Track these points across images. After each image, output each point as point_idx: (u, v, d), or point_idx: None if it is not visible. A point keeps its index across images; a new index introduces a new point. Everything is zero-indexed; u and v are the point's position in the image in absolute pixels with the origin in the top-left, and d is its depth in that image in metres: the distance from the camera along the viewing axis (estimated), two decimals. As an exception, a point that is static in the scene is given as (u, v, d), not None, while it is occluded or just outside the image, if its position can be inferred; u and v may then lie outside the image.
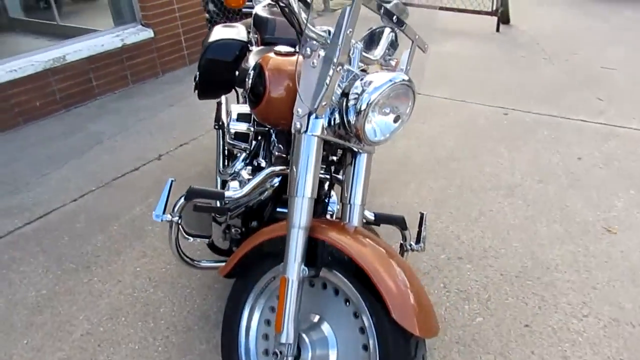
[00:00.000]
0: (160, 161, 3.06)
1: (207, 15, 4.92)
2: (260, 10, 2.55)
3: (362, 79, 1.26)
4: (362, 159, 1.39)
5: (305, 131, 1.23)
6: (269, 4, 2.59)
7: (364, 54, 1.43)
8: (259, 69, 1.48)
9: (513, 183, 2.65)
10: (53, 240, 2.37)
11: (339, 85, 1.27)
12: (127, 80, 4.23)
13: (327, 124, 1.27)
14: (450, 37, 5.11)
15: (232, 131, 1.83)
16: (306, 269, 1.25)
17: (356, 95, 1.23)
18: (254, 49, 2.14)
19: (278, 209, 1.65)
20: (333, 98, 1.25)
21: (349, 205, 1.38)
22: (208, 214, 1.63)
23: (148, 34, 4.25)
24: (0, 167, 3.05)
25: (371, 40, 1.57)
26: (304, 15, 1.32)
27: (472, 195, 2.56)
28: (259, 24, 2.33)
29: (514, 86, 3.85)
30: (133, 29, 4.25)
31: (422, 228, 1.65)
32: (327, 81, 1.19)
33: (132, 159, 3.07)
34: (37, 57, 3.61)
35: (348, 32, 1.18)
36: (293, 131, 1.25)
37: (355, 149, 1.37)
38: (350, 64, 1.36)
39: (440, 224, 2.37)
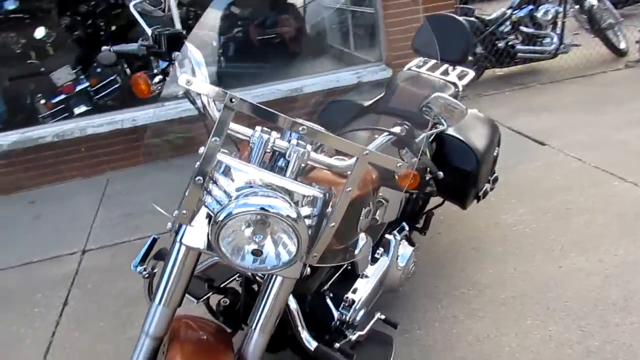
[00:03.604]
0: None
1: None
2: (407, 67, 2.46)
3: (272, 189, 1.10)
4: (276, 283, 1.19)
5: (175, 236, 1.16)
6: (419, 64, 2.42)
7: (316, 156, 1.22)
8: None
9: None
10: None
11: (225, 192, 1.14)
12: (357, 112, 4.49)
13: None
14: None
15: None
16: None
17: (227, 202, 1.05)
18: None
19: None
20: (210, 206, 1.14)
21: (249, 330, 1.23)
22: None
23: (386, 73, 4.39)
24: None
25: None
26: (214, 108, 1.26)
27: None
28: (389, 83, 2.24)
29: None
30: (376, 67, 4.48)
31: None
32: (187, 189, 1.11)
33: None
34: (280, 87, 4.23)
35: (213, 140, 1.06)
36: (167, 230, 1.22)
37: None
38: (289, 171, 1.17)
39: None
